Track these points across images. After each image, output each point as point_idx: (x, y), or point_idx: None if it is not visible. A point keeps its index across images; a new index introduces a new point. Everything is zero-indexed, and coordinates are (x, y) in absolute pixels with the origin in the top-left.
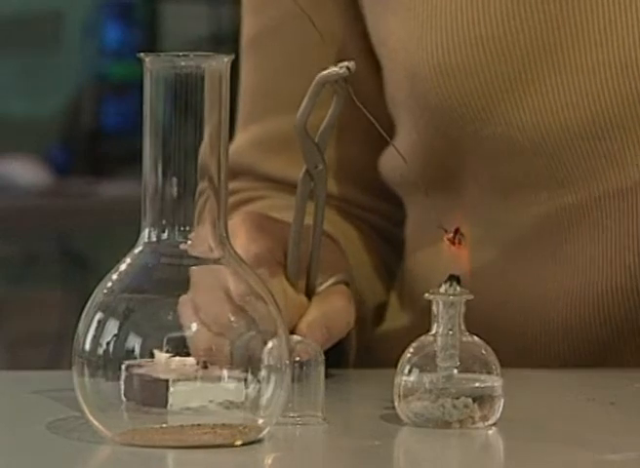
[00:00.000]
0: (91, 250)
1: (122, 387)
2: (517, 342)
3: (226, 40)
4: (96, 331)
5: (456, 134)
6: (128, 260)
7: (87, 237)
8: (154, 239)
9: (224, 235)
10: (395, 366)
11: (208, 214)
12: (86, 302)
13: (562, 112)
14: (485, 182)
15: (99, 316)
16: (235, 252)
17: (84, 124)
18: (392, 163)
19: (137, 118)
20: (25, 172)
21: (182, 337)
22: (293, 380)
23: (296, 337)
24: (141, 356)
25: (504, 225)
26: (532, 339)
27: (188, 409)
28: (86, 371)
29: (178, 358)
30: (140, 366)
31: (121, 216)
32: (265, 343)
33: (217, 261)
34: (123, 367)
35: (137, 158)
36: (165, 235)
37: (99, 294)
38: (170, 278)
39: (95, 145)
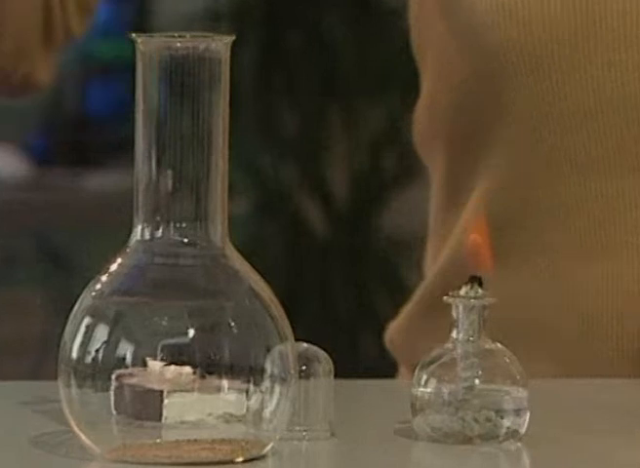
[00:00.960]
0: (75, 248)
1: (112, 399)
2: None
3: (223, 16)
4: (84, 337)
5: (496, 86)
6: (119, 260)
7: (71, 234)
8: (148, 236)
9: (225, 231)
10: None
11: (207, 208)
12: (71, 306)
13: (624, 85)
14: (520, 152)
15: (87, 321)
16: (237, 249)
17: (67, 109)
18: (420, 119)
19: (126, 102)
20: (1, 162)
21: (178, 344)
22: (299, 391)
23: (302, 344)
24: (134, 365)
25: (542, 202)
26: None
27: (185, 422)
28: (73, 382)
29: (173, 367)
30: (131, 375)
31: (109, 212)
32: (269, 350)
33: (217, 260)
34: (113, 376)
35: (126, 147)
36: (159, 232)
37: (87, 297)
38: (165, 279)
39: (79, 133)
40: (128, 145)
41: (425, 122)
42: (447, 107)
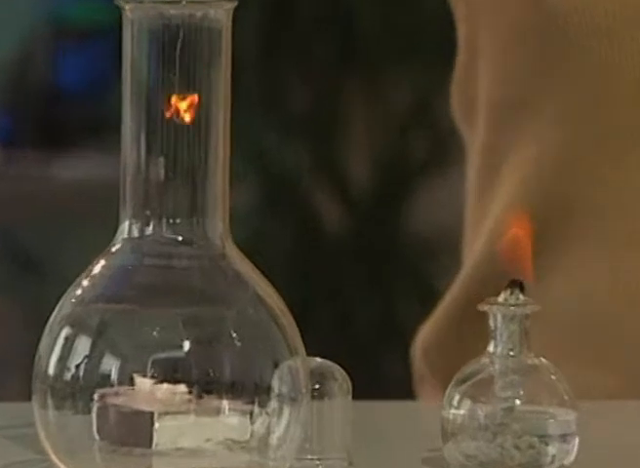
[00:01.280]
0: (49, 249)
1: (95, 422)
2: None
3: None
4: (62, 350)
5: (554, 50)
6: (102, 261)
7: (43, 232)
8: (136, 234)
9: (226, 228)
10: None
11: (205, 200)
12: (46, 316)
13: None
14: (572, 127)
15: (65, 332)
16: (239, 249)
17: (35, 82)
18: (459, 89)
19: (105, 74)
20: None
21: (171, 359)
22: (311, 413)
23: (315, 359)
24: (120, 382)
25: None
26: None
27: (179, 449)
28: (49, 402)
29: (165, 385)
30: (117, 395)
31: (89, 205)
32: (276, 366)
33: (216, 261)
34: (96, 396)
35: (105, 127)
36: (150, 229)
37: (65, 305)
38: (156, 283)
39: (50, 110)
40: (109, 125)
41: (465, 91)
42: (490, 75)
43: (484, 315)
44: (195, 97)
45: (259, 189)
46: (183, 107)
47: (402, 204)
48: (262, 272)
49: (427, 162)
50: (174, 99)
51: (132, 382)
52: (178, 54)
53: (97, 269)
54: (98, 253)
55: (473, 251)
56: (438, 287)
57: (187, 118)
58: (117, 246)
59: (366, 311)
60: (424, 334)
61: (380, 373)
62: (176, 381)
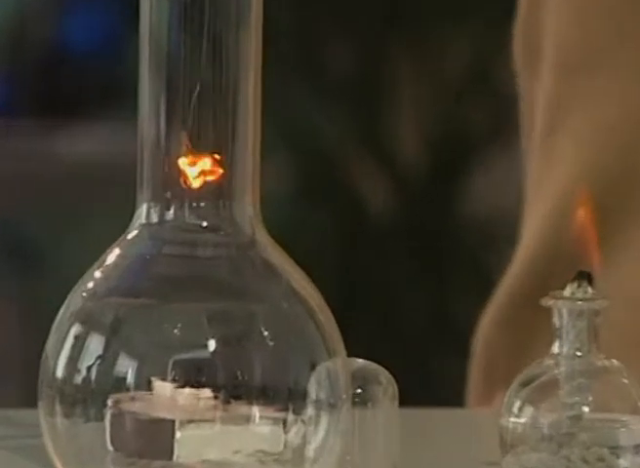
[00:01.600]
0: (51, 238)
1: (108, 431)
2: None
3: None
4: (72, 350)
5: None
6: (117, 251)
7: (44, 219)
8: (155, 219)
9: (257, 212)
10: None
11: (233, 181)
12: (51, 314)
13: None
14: None
15: (76, 330)
16: (270, 236)
17: (36, 43)
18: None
19: (117, 31)
20: None
21: (195, 360)
22: (352, 421)
23: (357, 360)
24: (137, 387)
25: None
26: None
27: (204, 462)
28: (58, 409)
29: (188, 390)
30: (133, 400)
31: (99, 186)
32: (313, 368)
33: (245, 250)
34: (110, 402)
35: (118, 95)
36: (170, 214)
37: (75, 299)
38: (178, 275)
39: (52, 75)
40: (123, 92)
41: (530, 33)
42: (562, 15)
43: (547, 311)
44: (208, 162)
45: (294, 167)
46: (193, 174)
47: (457, 183)
48: (297, 262)
49: (486, 135)
50: (184, 162)
51: (150, 386)
52: (202, 12)
53: (110, 259)
54: (111, 242)
55: (532, 234)
56: (498, 279)
57: (197, 184)
58: (134, 233)
59: (415, 306)
60: (485, 327)
61: (430, 377)
62: (200, 385)
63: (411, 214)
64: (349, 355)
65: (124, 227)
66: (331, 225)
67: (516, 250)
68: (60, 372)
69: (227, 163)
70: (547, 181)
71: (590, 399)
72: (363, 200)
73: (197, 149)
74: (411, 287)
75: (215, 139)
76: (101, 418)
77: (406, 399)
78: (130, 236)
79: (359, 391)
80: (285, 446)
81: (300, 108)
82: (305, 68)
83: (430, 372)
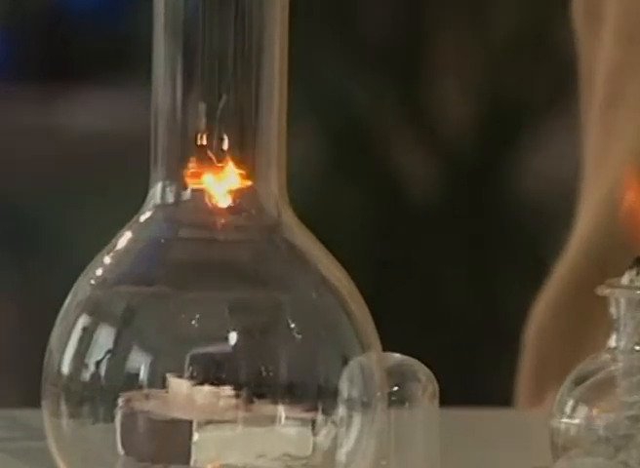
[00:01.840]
0: (52, 219)
1: (119, 433)
2: None
3: None
4: (79, 344)
5: None
6: (128, 234)
7: (49, 197)
8: (171, 199)
9: (283, 191)
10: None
11: (257, 157)
12: (57, 303)
13: None
14: None
15: (83, 321)
16: (298, 218)
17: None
18: None
19: None
20: None
21: (215, 355)
22: (388, 423)
23: (394, 355)
24: (150, 384)
25: None
26: None
27: (224, 467)
28: (63, 409)
29: (207, 387)
30: (147, 399)
31: (106, 162)
32: (345, 364)
33: (270, 233)
34: (121, 400)
35: (129, 57)
36: (188, 193)
37: (83, 287)
38: (195, 261)
39: (54, 35)
40: (135, 54)
41: None
42: None
43: (603, 300)
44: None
45: (324, 141)
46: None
47: (508, 157)
48: (327, 246)
49: (541, 104)
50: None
51: (165, 384)
52: None
53: (121, 243)
54: (121, 225)
55: (588, 217)
56: (553, 262)
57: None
58: (147, 214)
59: (459, 295)
60: (537, 317)
61: (474, 373)
62: (220, 382)
63: (455, 192)
64: (385, 349)
65: (136, 209)
66: (365, 205)
67: (572, 232)
68: (65, 368)
69: (251, 137)
70: (606, 159)
71: None
72: (402, 176)
73: (217, 122)
74: (454, 273)
75: (237, 110)
76: (111, 419)
77: (447, 397)
78: (143, 218)
79: (396, 389)
80: (314, 449)
81: (331, 74)
82: (337, 30)
83: (475, 368)
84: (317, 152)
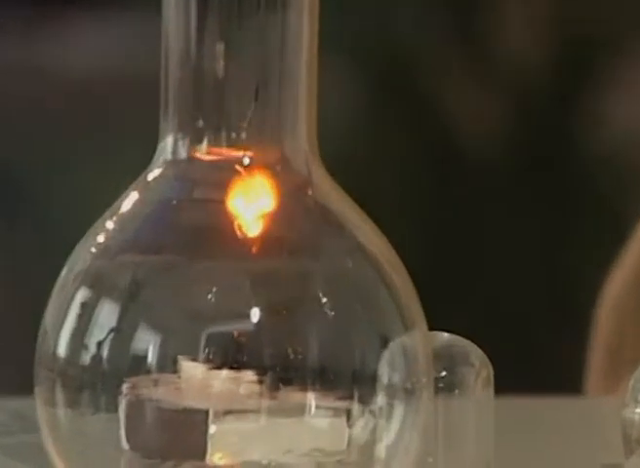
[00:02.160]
0: (38, 174)
1: (123, 425)
2: None
3: None
4: (77, 322)
5: None
6: (134, 195)
7: (29, 147)
8: (183, 154)
9: (313, 144)
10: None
11: (283, 104)
12: (52, 275)
13: None
14: None
15: (82, 296)
16: (332, 176)
17: None
18: None
19: None
20: None
21: (234, 334)
22: (435, 413)
23: (443, 335)
24: (160, 368)
25: None
26: None
27: (245, 464)
28: (59, 397)
29: (225, 372)
30: (155, 386)
31: (103, 107)
32: (385, 345)
33: (299, 193)
34: (126, 387)
35: None
36: (203, 147)
37: (82, 257)
38: (212, 226)
39: None
40: None
41: None
42: None
43: None
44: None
45: (362, 85)
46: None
47: (582, 101)
48: (365, 209)
49: (622, 38)
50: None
51: (177, 368)
52: None
53: (126, 206)
54: (126, 184)
55: None
56: (633, 228)
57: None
58: (156, 172)
59: (521, 266)
60: (612, 292)
61: (536, 356)
62: (240, 366)
63: (520, 143)
64: (432, 328)
65: (143, 165)
66: (412, 158)
67: None
68: (62, 350)
69: (275, 81)
70: None
71: None
72: (456, 124)
73: (237, 63)
74: (518, 240)
75: (260, 50)
76: (115, 408)
77: (504, 384)
78: (151, 176)
79: (444, 374)
80: (349, 443)
81: (368, 1)
82: None
83: (537, 350)
84: (353, 99)
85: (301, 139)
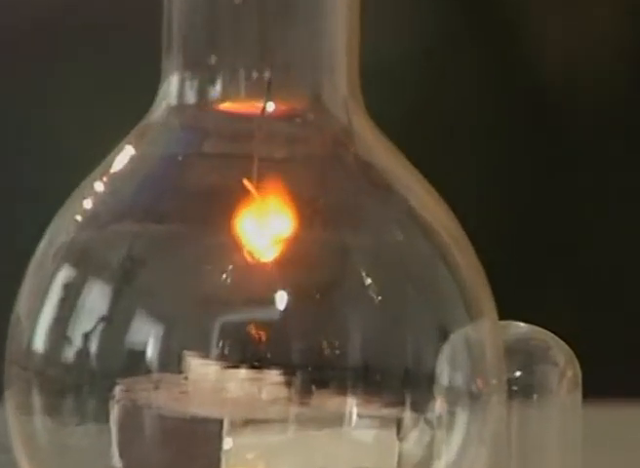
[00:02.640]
0: (13, 122)
1: (116, 437)
2: None
3: None
4: (59, 309)
5: None
6: (129, 149)
7: (13, 86)
8: (192, 98)
9: (354, 85)
10: None
11: (317, 35)
12: (26, 249)
13: None
14: None
15: (65, 276)
16: (377, 125)
17: None
18: None
19: None
20: None
21: (255, 323)
22: (508, 422)
23: (519, 325)
24: (162, 366)
25: None
26: None
27: None
28: (36, 401)
29: (244, 371)
30: (156, 388)
31: (87, 34)
32: (445, 337)
33: (336, 146)
34: (119, 390)
35: None
36: (217, 89)
37: (64, 226)
38: (226, 188)
39: None
40: None
41: None
42: None
43: None
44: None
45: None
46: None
47: None
48: (424, 170)
49: None
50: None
51: (183, 366)
52: None
53: (120, 162)
54: (118, 134)
55: None
56: None
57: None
58: (157, 120)
59: (628, 247)
60: None
61: (631, 356)
62: (262, 365)
63: (623, 77)
64: (504, 317)
65: (140, 111)
66: (489, 102)
67: None
68: (39, 344)
69: (307, 3)
70: None
71: None
72: (542, 49)
73: None
74: (617, 205)
75: None
76: (106, 417)
77: (594, 387)
78: (151, 126)
79: (519, 374)
80: (399, 462)
81: None
82: None
83: (636, 349)
84: (412, 18)
85: (340, 79)
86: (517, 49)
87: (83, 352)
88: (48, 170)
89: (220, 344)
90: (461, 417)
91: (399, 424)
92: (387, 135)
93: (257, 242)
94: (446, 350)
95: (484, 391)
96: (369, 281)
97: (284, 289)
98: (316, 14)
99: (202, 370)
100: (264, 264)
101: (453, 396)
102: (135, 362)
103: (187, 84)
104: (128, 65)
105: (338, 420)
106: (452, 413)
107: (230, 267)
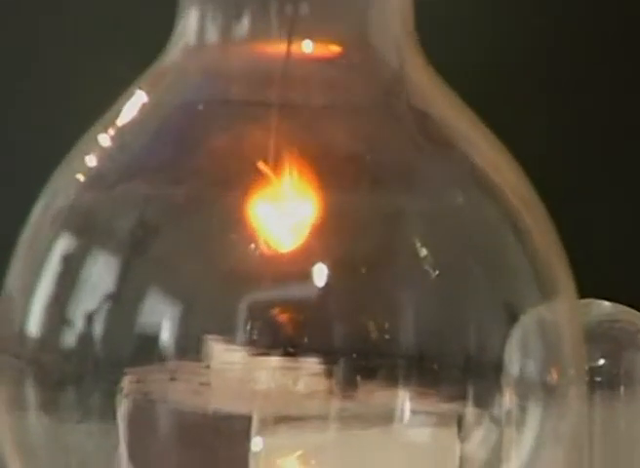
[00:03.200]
0: (20, 61)
1: (124, 436)
2: None
3: None
4: (57, 286)
5: None
6: (142, 95)
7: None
8: (214, 37)
9: (407, 23)
10: None
11: None
12: (19, 213)
13: None
14: None
15: (65, 246)
16: (435, 72)
17: None
18: None
19: None
20: None
21: (288, 303)
22: (590, 421)
23: (603, 304)
24: (179, 353)
25: None
26: None
27: None
28: (30, 395)
29: (276, 359)
30: (172, 379)
31: None
32: (514, 319)
33: (388, 97)
34: (128, 382)
35: None
36: (245, 27)
37: (63, 188)
38: (255, 142)
39: None
40: None
41: None
42: None
43: None
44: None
45: None
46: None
47: None
48: (489, 121)
49: None
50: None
51: (203, 353)
52: None
53: (130, 111)
54: (128, 80)
55: None
56: None
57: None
58: (173, 62)
59: None
60: None
61: None
62: (298, 351)
63: None
64: (585, 295)
65: (153, 51)
66: (569, 35)
67: None
68: (33, 327)
69: None
70: None
71: None
72: None
73: None
74: None
75: None
76: (112, 413)
77: None
78: (166, 69)
79: (603, 362)
80: (461, 464)
81: None
82: None
83: None
84: None
85: (392, 15)
86: None
87: (86, 336)
88: (43, 117)
89: (248, 327)
90: (534, 413)
91: (460, 422)
92: (449, 84)
93: (291, 207)
94: (515, 334)
95: (560, 382)
96: (424, 252)
97: (323, 261)
98: None
99: (226, 357)
100: (300, 233)
101: (524, 388)
102: (147, 348)
103: (209, 21)
104: (141, 6)
105: (387, 417)
106: (523, 409)
107: (260, 237)
